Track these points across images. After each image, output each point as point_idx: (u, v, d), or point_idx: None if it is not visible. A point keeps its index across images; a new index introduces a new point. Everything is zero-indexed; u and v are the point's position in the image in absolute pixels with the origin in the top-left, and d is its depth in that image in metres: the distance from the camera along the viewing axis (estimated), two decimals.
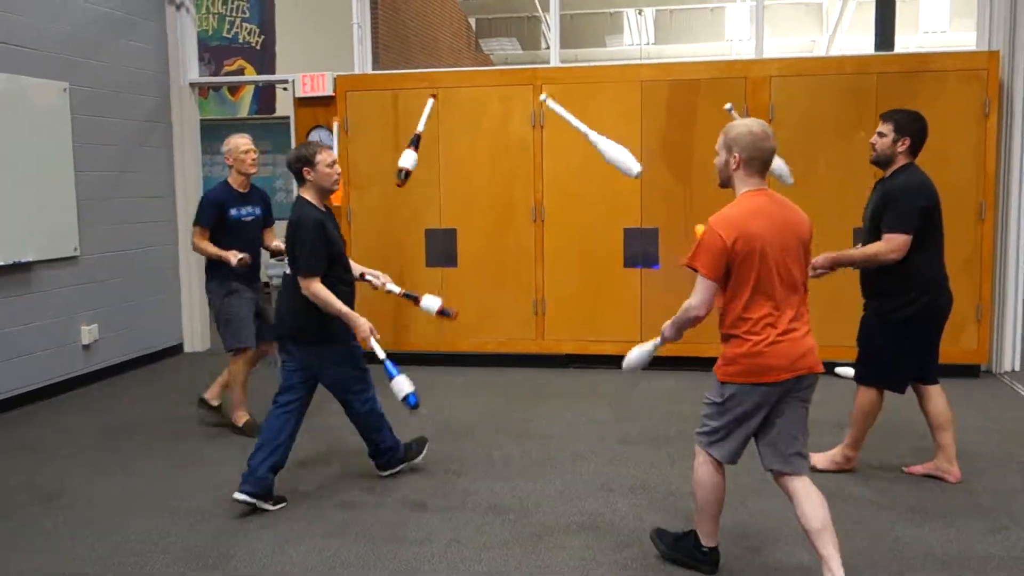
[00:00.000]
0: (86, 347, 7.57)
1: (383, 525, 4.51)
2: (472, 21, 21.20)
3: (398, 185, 6.02)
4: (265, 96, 13.53)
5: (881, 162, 4.91)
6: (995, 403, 6.60)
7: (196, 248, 6.00)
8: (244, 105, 13.59)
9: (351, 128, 7.99)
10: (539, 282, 7.90)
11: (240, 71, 12.92)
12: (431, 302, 5.20)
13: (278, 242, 5.98)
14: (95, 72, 7.71)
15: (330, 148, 4.98)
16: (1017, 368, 7.54)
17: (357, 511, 4.71)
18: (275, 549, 4.26)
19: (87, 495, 5.01)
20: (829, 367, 7.38)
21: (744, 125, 3.64)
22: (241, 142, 6.02)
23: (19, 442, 6.05)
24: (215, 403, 6.34)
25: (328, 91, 8.25)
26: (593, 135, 5.34)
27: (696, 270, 3.59)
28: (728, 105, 6.14)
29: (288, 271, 4.88)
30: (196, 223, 5.97)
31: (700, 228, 3.68)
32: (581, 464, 5.39)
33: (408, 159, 5.93)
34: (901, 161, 4.84)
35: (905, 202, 4.67)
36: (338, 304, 4.68)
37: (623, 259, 7.71)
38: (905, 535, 4.29)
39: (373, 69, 8.78)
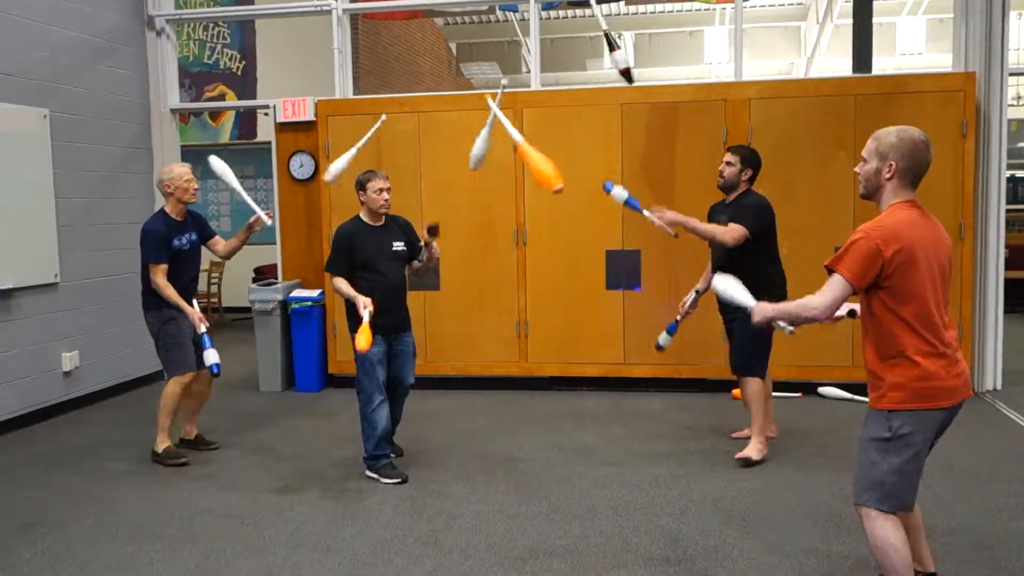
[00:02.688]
0: (67, 374, 7.51)
1: (366, 550, 4.47)
2: (453, 46, 21.29)
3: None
4: (246, 121, 13.54)
5: (727, 187, 5.76)
6: (978, 422, 6.62)
7: (160, 289, 5.78)
8: (225, 131, 13.60)
9: (332, 153, 7.98)
10: (522, 305, 7.90)
11: (221, 97, 12.91)
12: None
13: (223, 243, 6.31)
14: (75, 98, 7.69)
15: (385, 176, 5.56)
16: (999, 387, 7.55)
17: (336, 534, 4.68)
18: None
19: (64, 524, 4.94)
20: (810, 388, 7.44)
21: (904, 131, 3.28)
22: (184, 171, 5.97)
23: None
24: (192, 436, 6.36)
25: (309, 116, 8.26)
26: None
27: (835, 271, 3.25)
28: None
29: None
30: (153, 260, 5.79)
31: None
32: (566, 486, 5.36)
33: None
34: (743, 187, 5.71)
35: (755, 212, 5.56)
36: (347, 290, 5.39)
37: (605, 281, 7.72)
38: None
39: (354, 94, 8.78)
